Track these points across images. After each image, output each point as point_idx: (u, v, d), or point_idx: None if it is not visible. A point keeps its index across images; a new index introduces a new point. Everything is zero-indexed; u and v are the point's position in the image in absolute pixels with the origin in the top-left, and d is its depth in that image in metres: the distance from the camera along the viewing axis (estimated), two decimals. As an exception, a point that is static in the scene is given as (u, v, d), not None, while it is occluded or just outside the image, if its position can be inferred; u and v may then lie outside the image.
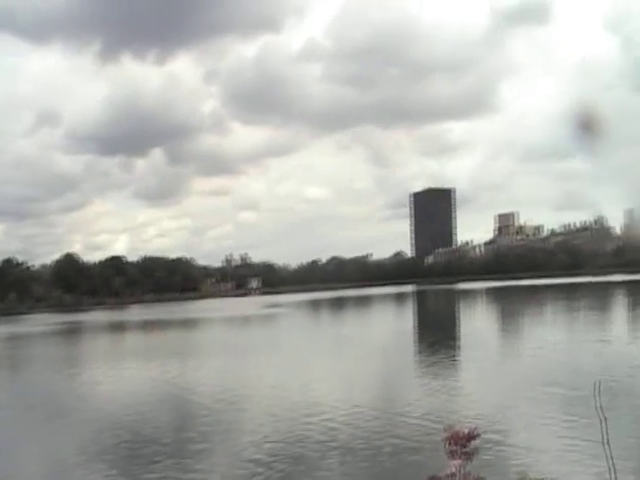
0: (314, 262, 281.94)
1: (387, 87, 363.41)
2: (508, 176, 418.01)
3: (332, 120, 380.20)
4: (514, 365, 30.07)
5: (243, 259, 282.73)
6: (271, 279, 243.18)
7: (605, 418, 3.48)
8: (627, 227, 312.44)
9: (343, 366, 33.23)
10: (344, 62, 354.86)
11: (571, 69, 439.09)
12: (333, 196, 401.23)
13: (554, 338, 38.95)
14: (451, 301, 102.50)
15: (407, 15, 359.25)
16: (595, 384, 3.70)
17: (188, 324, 77.97)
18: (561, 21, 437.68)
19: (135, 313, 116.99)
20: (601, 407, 3.60)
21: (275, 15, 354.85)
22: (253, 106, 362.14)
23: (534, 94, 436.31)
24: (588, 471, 12.35)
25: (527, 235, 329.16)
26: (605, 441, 3.52)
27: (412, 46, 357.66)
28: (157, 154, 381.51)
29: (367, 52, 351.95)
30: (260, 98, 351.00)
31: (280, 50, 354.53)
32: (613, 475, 3.53)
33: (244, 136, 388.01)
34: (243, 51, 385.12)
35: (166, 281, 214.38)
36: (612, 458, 3.52)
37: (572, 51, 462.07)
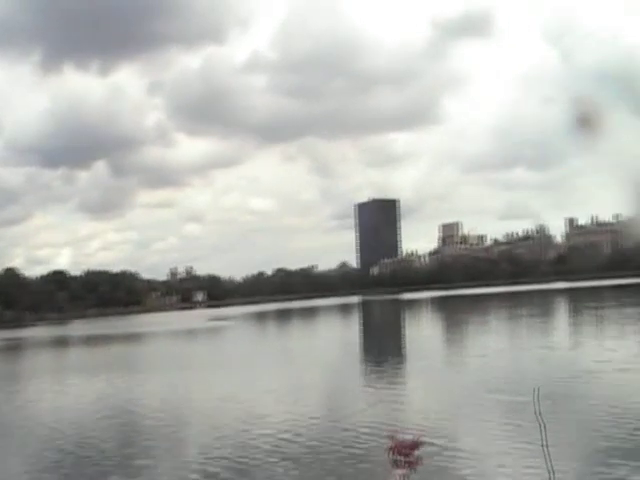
0: (260, 274, 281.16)
1: (332, 98, 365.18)
2: (452, 186, 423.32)
3: (277, 131, 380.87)
4: (459, 373, 30.38)
5: (188, 272, 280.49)
6: (217, 292, 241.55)
7: (544, 424, 3.56)
8: (566, 236, 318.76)
9: (290, 378, 33.17)
10: (288, 74, 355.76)
11: (513, 81, 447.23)
12: (278, 207, 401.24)
13: (498, 346, 39.48)
14: (396, 311, 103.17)
15: (351, 27, 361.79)
16: (534, 391, 3.77)
17: (133, 338, 77.02)
18: (503, 34, 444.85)
19: (78, 328, 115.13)
20: (540, 413, 3.67)
21: (219, 26, 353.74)
22: (198, 117, 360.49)
23: (477, 105, 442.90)
24: (529, 476, 12.52)
25: (471, 244, 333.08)
26: (545, 446, 3.59)
27: (356, 58, 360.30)
28: (100, 166, 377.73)
29: (311, 64, 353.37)
30: (205, 109, 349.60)
31: (224, 61, 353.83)
32: (552, 478, 3.61)
33: (189, 148, 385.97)
34: (187, 62, 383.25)
35: (110, 295, 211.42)
36: (551, 462, 3.60)
37: (514, 63, 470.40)
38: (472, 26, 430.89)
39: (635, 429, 16.84)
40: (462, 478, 13.92)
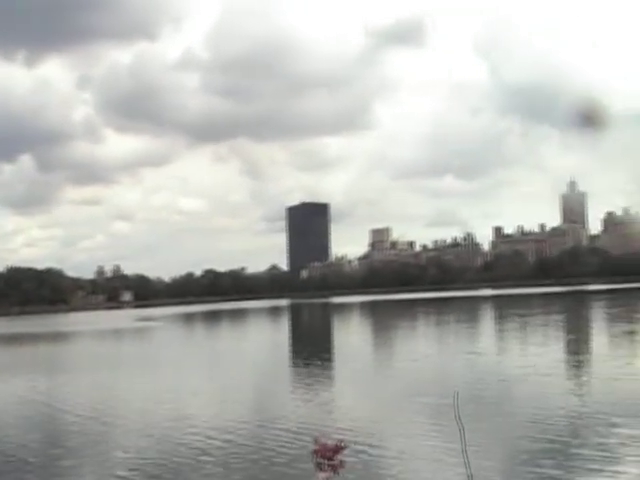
0: (189, 275, 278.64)
1: (264, 100, 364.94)
2: (382, 192, 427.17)
3: (208, 131, 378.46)
4: (387, 377, 30.64)
5: (115, 271, 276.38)
6: (145, 292, 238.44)
7: (463, 427, 3.66)
8: (492, 244, 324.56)
9: (218, 380, 32.97)
10: (221, 73, 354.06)
11: (443, 90, 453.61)
12: (209, 208, 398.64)
13: (426, 350, 39.98)
14: (326, 315, 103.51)
15: (285, 30, 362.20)
16: (454, 395, 3.87)
17: (58, 338, 75.44)
18: (434, 44, 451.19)
19: (0, 326, 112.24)
20: (459, 416, 3.77)
21: (151, 23, 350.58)
22: (128, 114, 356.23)
23: (408, 113, 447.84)
24: (452, 477, 12.73)
25: (400, 250, 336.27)
26: (464, 449, 3.69)
27: (289, 60, 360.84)
28: (26, 160, 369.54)
29: (245, 64, 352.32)
30: (135, 106, 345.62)
31: (156, 58, 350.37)
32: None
33: (118, 144, 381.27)
34: (118, 57, 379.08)
35: (34, 293, 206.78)
36: (469, 464, 3.70)
37: (444, 73, 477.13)
38: (404, 35, 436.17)
39: (557, 431, 17.25)
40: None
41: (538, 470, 14.12)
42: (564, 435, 16.90)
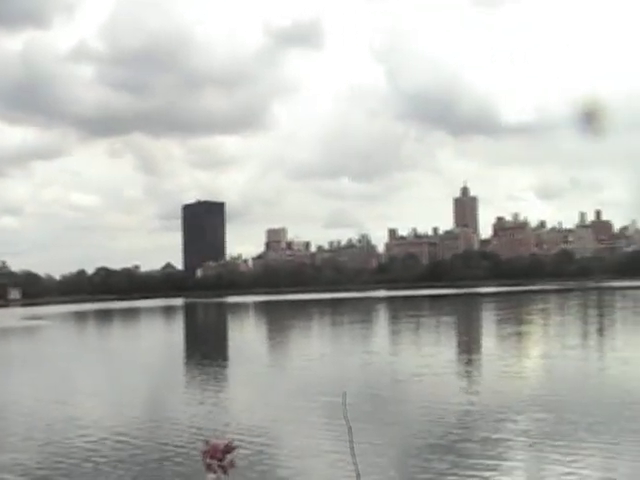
0: (80, 272, 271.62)
1: (161, 96, 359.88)
2: (279, 192, 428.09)
3: (103, 125, 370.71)
4: (283, 377, 30.55)
5: (2, 267, 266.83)
6: (33, 290, 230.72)
7: (351, 426, 3.60)
8: (387, 246, 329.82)
9: (108, 381, 32.13)
10: (117, 67, 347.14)
11: (340, 93, 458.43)
12: (102, 204, 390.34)
13: (321, 350, 40.11)
14: (221, 315, 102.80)
15: (183, 25, 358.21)
16: (343, 394, 3.82)
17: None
18: (332, 47, 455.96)
19: None
20: (346, 416, 3.72)
21: (42, 10, 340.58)
22: (18, 105, 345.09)
23: (305, 114, 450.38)
24: (343, 475, 12.67)
25: (296, 250, 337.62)
26: (352, 447, 3.62)
27: (187, 56, 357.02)
28: None
29: (141, 58, 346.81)
30: (26, 97, 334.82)
31: (48, 48, 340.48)
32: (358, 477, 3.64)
33: (7, 135, 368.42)
34: (7, 45, 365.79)
35: None
36: (356, 462, 3.64)
37: (342, 76, 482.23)
38: (303, 36, 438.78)
39: (448, 428, 17.54)
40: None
41: (427, 465, 14.37)
42: (454, 431, 17.22)
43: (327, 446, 15.51)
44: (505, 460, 14.70)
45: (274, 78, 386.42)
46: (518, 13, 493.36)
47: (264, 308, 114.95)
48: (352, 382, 26.39)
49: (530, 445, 15.68)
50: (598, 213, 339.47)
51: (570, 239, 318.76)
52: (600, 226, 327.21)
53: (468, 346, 40.90)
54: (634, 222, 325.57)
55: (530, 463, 14.55)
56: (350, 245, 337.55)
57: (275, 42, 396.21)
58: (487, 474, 13.62)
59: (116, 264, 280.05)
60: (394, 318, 72.61)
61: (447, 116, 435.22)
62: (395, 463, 15.08)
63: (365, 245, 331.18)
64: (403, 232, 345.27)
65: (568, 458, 14.35)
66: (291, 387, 26.96)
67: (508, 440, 16.19)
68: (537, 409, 19.48)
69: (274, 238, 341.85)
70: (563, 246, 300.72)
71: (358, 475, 3.57)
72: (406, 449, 16.26)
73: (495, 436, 16.50)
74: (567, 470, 13.58)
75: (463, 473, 13.73)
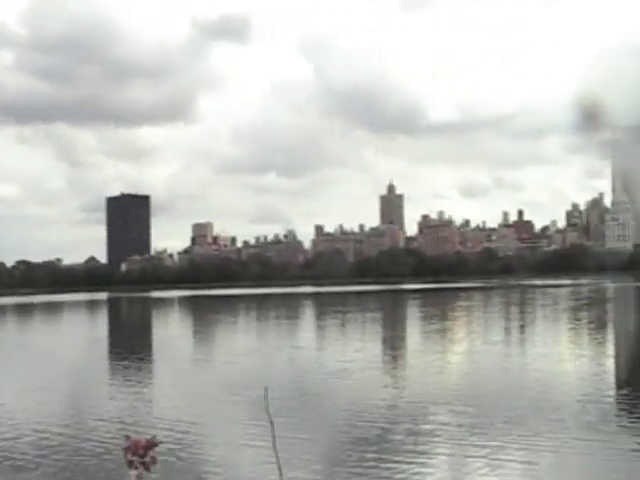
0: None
1: (84, 85, 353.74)
2: (205, 186, 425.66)
3: (23, 113, 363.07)
4: (209, 372, 30.21)
5: None
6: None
7: (273, 421, 3.55)
8: (313, 242, 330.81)
9: (28, 377, 31.22)
10: (39, 53, 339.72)
11: (268, 88, 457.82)
12: (21, 194, 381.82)
13: (248, 346, 39.88)
14: (145, 309, 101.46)
15: (108, 14, 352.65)
16: (264, 389, 3.80)
17: None
18: (261, 42, 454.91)
19: None
20: (268, 411, 3.66)
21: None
22: None
23: (233, 108, 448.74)
24: (261, 471, 12.53)
25: (222, 245, 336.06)
26: (274, 442, 3.59)
27: (112, 46, 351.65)
28: None
29: (65, 46, 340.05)
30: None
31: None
32: (279, 474, 3.61)
33: None
34: None
35: None
36: (278, 457, 3.60)
37: (270, 71, 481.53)
38: (231, 30, 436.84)
39: (373, 422, 17.61)
40: (199, 477, 13.70)
41: (351, 459, 14.45)
42: (379, 425, 17.31)
43: (251, 441, 15.34)
44: (428, 452, 14.88)
45: (201, 71, 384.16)
46: (446, 16, 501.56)
47: (190, 303, 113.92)
48: (278, 377, 26.32)
49: (453, 437, 15.87)
50: (520, 213, 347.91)
51: (493, 238, 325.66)
52: (522, 225, 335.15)
53: (394, 342, 41.24)
54: (554, 222, 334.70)
55: (453, 455, 14.73)
56: (276, 241, 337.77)
57: (202, 35, 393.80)
58: (410, 467, 13.70)
59: (37, 257, 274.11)
60: (320, 314, 72.78)
61: (373, 114, 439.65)
62: (319, 457, 15.07)
63: (291, 241, 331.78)
64: (329, 228, 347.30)
65: (490, 449, 14.63)
66: (216, 382, 26.70)
67: (431, 433, 16.44)
68: (460, 402, 19.77)
69: (200, 233, 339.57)
70: (486, 244, 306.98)
71: (280, 469, 3.52)
72: (331, 443, 16.29)
73: (419, 429, 16.71)
74: (489, 461, 13.84)
75: (386, 466, 13.80)
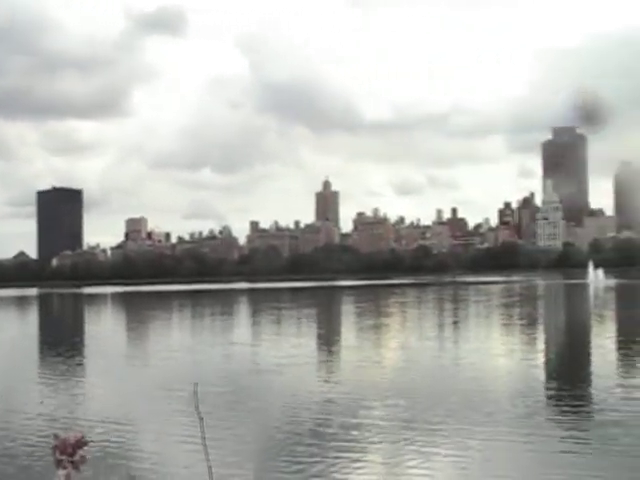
0: None
1: (14, 76, 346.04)
2: (139, 181, 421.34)
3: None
4: (142, 369, 29.81)
5: None
6: None
7: (202, 417, 3.48)
8: (248, 238, 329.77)
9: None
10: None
11: (203, 83, 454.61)
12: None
13: (183, 342, 39.52)
14: (77, 306, 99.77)
15: (40, 4, 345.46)
16: (194, 385, 3.71)
17: None
18: (197, 36, 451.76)
19: None
20: (197, 407, 3.59)
21: None
22: None
23: (167, 102, 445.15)
24: (193, 468, 12.39)
25: (157, 241, 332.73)
26: (204, 439, 3.53)
27: (44, 37, 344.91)
28: None
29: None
30: None
31: None
32: (209, 471, 3.55)
33: None
34: None
35: None
36: (207, 455, 3.53)
37: (206, 66, 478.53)
38: (166, 23, 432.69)
39: (308, 417, 17.64)
40: (130, 476, 13.47)
41: (285, 454, 14.37)
42: (314, 420, 17.37)
43: (183, 437, 15.15)
44: (362, 446, 14.95)
45: (134, 64, 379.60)
46: (384, 15, 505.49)
47: (123, 299, 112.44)
48: (213, 373, 26.14)
49: (387, 430, 15.98)
50: (454, 211, 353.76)
51: (427, 235, 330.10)
52: (456, 223, 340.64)
53: (329, 338, 41.36)
54: (487, 220, 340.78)
55: (386, 448, 14.82)
56: (211, 237, 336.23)
57: (137, 27, 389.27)
58: (344, 461, 13.75)
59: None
60: (256, 310, 72.61)
61: (309, 111, 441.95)
62: (252, 453, 15.04)
63: (226, 237, 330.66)
64: (265, 225, 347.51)
65: (423, 442, 14.83)
66: (150, 379, 26.37)
67: (366, 427, 16.50)
68: (395, 397, 19.97)
69: (133, 228, 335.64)
70: (421, 242, 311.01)
71: (209, 466, 3.46)
72: (264, 439, 16.28)
73: (353, 423, 16.75)
74: (422, 453, 14.01)
75: (320, 460, 13.81)
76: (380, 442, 15.28)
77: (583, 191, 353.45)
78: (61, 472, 2.95)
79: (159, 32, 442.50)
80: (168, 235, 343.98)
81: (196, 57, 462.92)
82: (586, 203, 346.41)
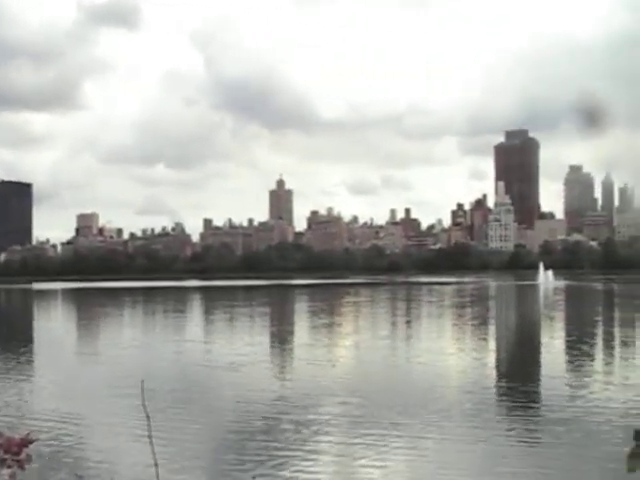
0: None
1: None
2: (91, 176, 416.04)
3: None
4: (92, 366, 29.37)
5: None
6: None
7: (149, 415, 3.39)
8: (202, 235, 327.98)
9: None
10: None
11: (158, 78, 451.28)
12: None
13: (134, 340, 39.11)
14: (26, 302, 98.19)
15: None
16: (141, 382, 3.62)
17: None
18: (152, 30, 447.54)
19: None
20: (144, 405, 3.48)
21: None
22: None
23: (121, 96, 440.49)
24: (140, 465, 12.20)
25: (108, 237, 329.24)
26: (150, 436, 3.45)
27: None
28: None
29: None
30: None
31: None
32: (155, 468, 3.49)
33: None
34: None
35: None
36: (154, 451, 3.45)
37: (160, 60, 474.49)
38: (119, 15, 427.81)
39: (260, 415, 17.54)
40: (76, 474, 13.23)
41: (235, 452, 14.31)
42: (266, 418, 17.37)
43: (131, 436, 14.96)
44: (315, 443, 14.94)
45: (88, 56, 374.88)
46: (339, 13, 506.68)
47: (73, 295, 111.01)
48: (165, 371, 25.94)
49: (340, 428, 16.06)
50: (407, 211, 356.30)
51: (381, 235, 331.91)
52: (409, 224, 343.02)
53: (283, 336, 41.29)
54: (440, 221, 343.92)
55: (340, 445, 14.83)
56: (164, 233, 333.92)
57: (89, 19, 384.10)
58: (296, 458, 13.71)
59: None
60: (209, 308, 72.23)
61: (264, 109, 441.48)
62: (203, 450, 14.90)
63: (179, 234, 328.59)
64: (218, 222, 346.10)
65: (376, 438, 14.90)
66: (99, 376, 25.98)
67: (319, 424, 16.52)
68: (348, 394, 20.10)
69: (85, 223, 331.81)
70: (374, 241, 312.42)
71: (156, 463, 3.38)
72: (215, 436, 16.23)
73: (306, 421, 16.80)
74: (375, 449, 14.08)
75: (272, 456, 13.77)
76: (333, 439, 15.30)
77: (534, 194, 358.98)
78: (5, 471, 2.89)
79: (113, 24, 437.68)
80: (120, 231, 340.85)
81: (151, 51, 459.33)
82: (537, 206, 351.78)
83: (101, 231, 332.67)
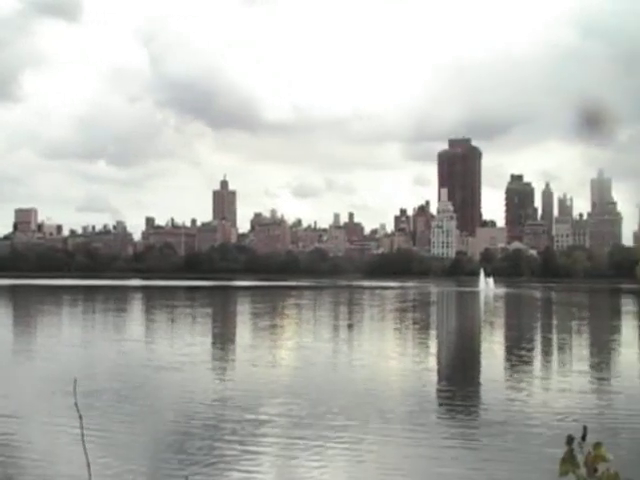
0: None
1: None
2: (29, 170, 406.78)
3: None
4: (27, 366, 28.73)
5: None
6: None
7: (81, 415, 3.38)
8: (143, 234, 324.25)
9: None
10: None
11: (100, 73, 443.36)
12: None
13: (72, 339, 38.44)
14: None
15: None
16: (74, 382, 3.58)
17: None
18: (94, 24, 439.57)
19: None
20: (77, 405, 3.46)
21: None
22: None
23: (61, 90, 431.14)
24: (74, 466, 12.01)
25: (47, 234, 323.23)
26: (83, 436, 3.43)
27: None
28: None
29: None
30: None
31: None
32: (88, 469, 3.47)
33: None
34: None
35: None
36: (86, 452, 3.44)
37: (102, 55, 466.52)
38: (60, 7, 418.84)
39: (200, 416, 17.39)
40: (6, 474, 12.95)
41: (172, 453, 14.17)
42: (208, 419, 17.20)
43: (65, 435, 14.68)
44: (255, 445, 14.82)
45: (26, 48, 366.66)
46: (287, 13, 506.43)
47: (10, 293, 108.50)
48: (104, 369, 25.54)
49: (281, 429, 16.04)
50: (351, 215, 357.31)
51: (324, 238, 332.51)
52: (352, 228, 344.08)
53: (225, 337, 41.06)
54: (383, 226, 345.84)
55: (280, 446, 14.79)
56: (105, 231, 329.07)
57: (29, 8, 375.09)
58: (236, 459, 13.64)
59: None
60: (150, 308, 71.37)
61: (208, 108, 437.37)
62: (137, 451, 14.66)
63: (120, 232, 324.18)
64: (161, 221, 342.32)
65: (316, 440, 14.92)
66: (35, 375, 25.45)
67: (260, 425, 16.46)
68: (289, 396, 20.10)
69: (23, 219, 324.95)
70: (318, 245, 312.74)
71: (88, 464, 3.34)
72: (154, 436, 15.99)
73: (247, 422, 16.71)
74: (315, 451, 14.10)
75: (211, 454, 13.76)
76: (271, 439, 15.28)
77: (476, 202, 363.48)
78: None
79: (52, 15, 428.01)
80: (60, 228, 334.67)
81: (92, 45, 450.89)
82: (479, 214, 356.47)
83: (40, 227, 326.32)
